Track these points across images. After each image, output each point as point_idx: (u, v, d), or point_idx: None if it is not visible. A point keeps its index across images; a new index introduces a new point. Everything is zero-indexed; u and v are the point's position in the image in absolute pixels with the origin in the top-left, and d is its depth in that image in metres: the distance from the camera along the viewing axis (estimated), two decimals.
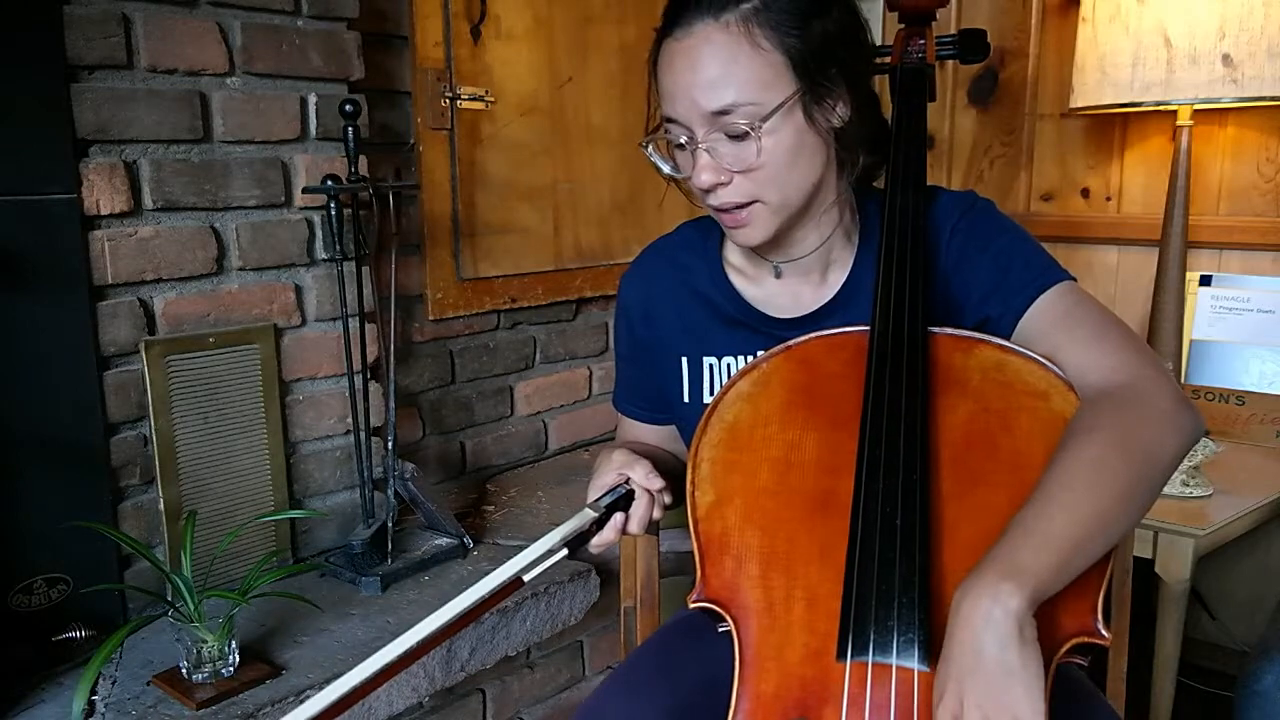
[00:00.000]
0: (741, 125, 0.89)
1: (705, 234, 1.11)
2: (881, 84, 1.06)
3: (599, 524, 0.91)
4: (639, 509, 0.93)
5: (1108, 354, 0.88)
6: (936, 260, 0.99)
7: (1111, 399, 0.84)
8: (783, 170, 0.93)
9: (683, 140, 0.94)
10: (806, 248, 1.02)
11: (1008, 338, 0.92)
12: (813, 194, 0.97)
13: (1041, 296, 0.94)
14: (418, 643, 0.76)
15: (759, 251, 1.05)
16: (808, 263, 1.03)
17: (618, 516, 0.92)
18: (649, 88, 0.99)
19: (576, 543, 0.89)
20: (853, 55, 0.96)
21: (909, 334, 0.87)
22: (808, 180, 0.95)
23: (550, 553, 0.86)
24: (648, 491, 0.94)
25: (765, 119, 0.89)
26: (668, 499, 0.96)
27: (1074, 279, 0.96)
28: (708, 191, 0.94)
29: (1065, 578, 0.75)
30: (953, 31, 1.18)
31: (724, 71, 0.89)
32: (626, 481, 0.94)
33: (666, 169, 0.98)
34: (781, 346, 0.94)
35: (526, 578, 0.84)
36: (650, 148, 0.99)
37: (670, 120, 0.94)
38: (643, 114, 1.03)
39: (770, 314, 1.05)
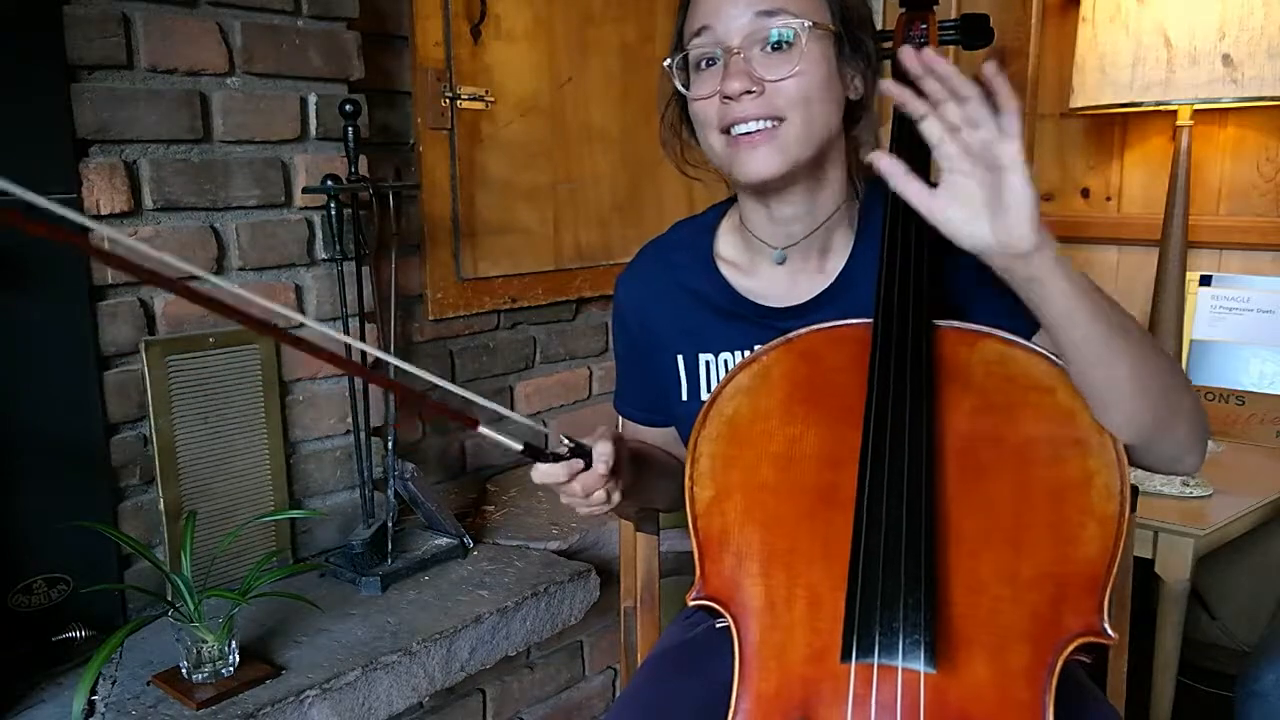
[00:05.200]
0: (790, 27, 0.92)
1: (698, 231, 1.11)
2: (884, 71, 1.06)
3: (558, 457, 0.87)
4: (590, 476, 0.88)
5: None
6: (945, 256, 0.98)
7: None
8: (814, 91, 0.93)
9: (715, 54, 0.94)
10: (807, 225, 1.01)
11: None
12: (823, 149, 0.97)
13: None
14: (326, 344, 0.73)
15: (760, 232, 1.04)
16: (806, 246, 1.02)
17: (578, 462, 0.87)
18: (675, 25, 1.01)
19: (532, 450, 0.85)
20: (873, 38, 1.00)
21: (913, 327, 0.86)
22: (826, 124, 0.96)
23: (511, 431, 0.83)
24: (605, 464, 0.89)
25: (812, 27, 0.92)
26: (615, 496, 0.92)
27: None
28: (731, 102, 0.93)
29: (1069, 287, 0.79)
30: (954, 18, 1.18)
31: None
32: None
33: (685, 90, 0.98)
34: (781, 339, 0.93)
35: (482, 428, 0.81)
36: (673, 69, 0.99)
37: (700, 34, 0.95)
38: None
39: (765, 304, 1.04)
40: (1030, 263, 0.77)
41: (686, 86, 0.98)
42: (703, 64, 0.96)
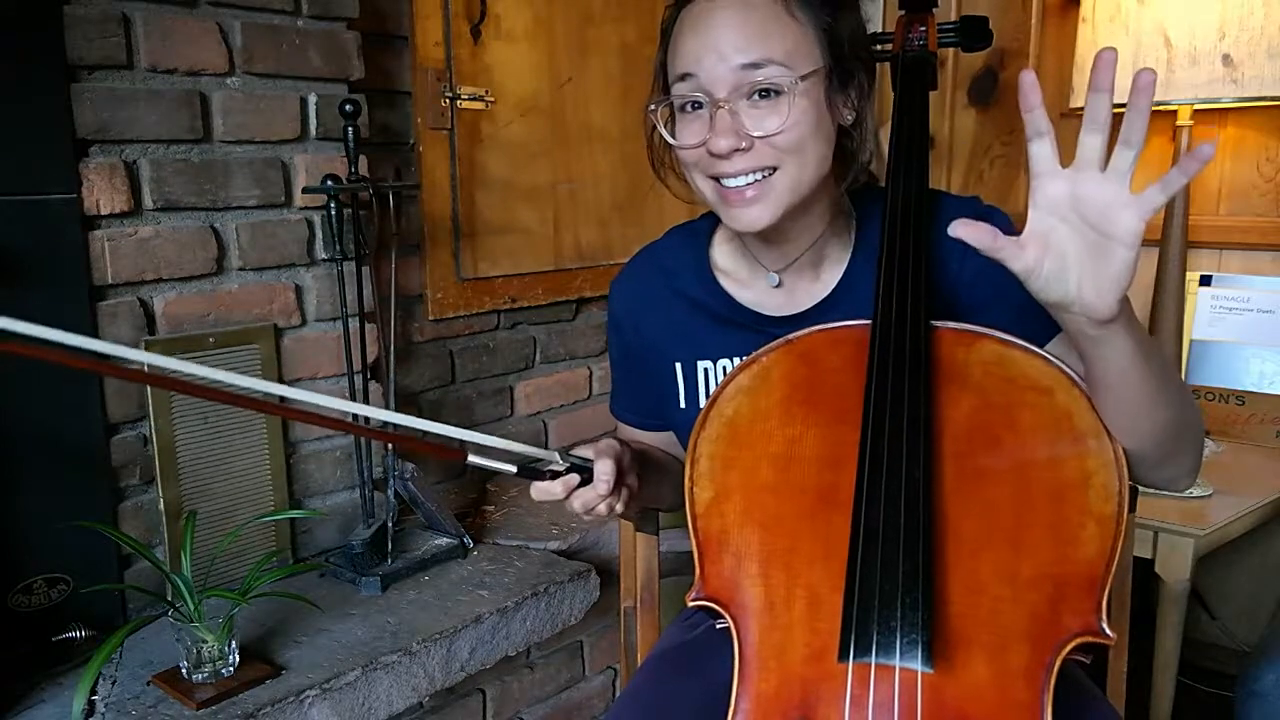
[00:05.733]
0: (777, 81, 0.89)
1: (693, 237, 1.10)
2: (883, 73, 1.06)
3: (555, 475, 0.87)
4: (589, 492, 0.88)
5: None
6: (948, 263, 0.98)
7: None
8: (807, 139, 0.91)
9: (698, 101, 0.92)
10: (800, 246, 1.01)
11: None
12: (817, 185, 0.95)
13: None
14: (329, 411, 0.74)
15: (755, 253, 1.04)
16: (800, 263, 1.02)
17: (574, 478, 0.87)
18: (656, 60, 0.98)
19: (528, 472, 0.86)
20: (869, 60, 0.98)
21: (911, 328, 0.86)
22: (819, 165, 0.94)
23: (504, 456, 0.83)
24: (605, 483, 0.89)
25: (801, 79, 0.89)
26: (618, 507, 0.92)
27: None
28: (720, 159, 0.91)
29: (1130, 343, 0.77)
30: (954, 20, 1.18)
31: (760, 30, 0.89)
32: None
33: (671, 139, 0.95)
34: (781, 340, 0.93)
35: (471, 458, 0.82)
36: (657, 114, 0.96)
37: (684, 80, 0.92)
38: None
39: (764, 312, 1.04)
40: (1103, 328, 0.76)
41: (673, 125, 0.96)
42: (688, 107, 0.94)
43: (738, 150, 0.90)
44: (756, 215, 0.93)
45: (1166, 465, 0.88)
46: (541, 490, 0.88)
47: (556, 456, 0.88)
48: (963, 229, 0.74)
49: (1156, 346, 0.83)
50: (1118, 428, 0.83)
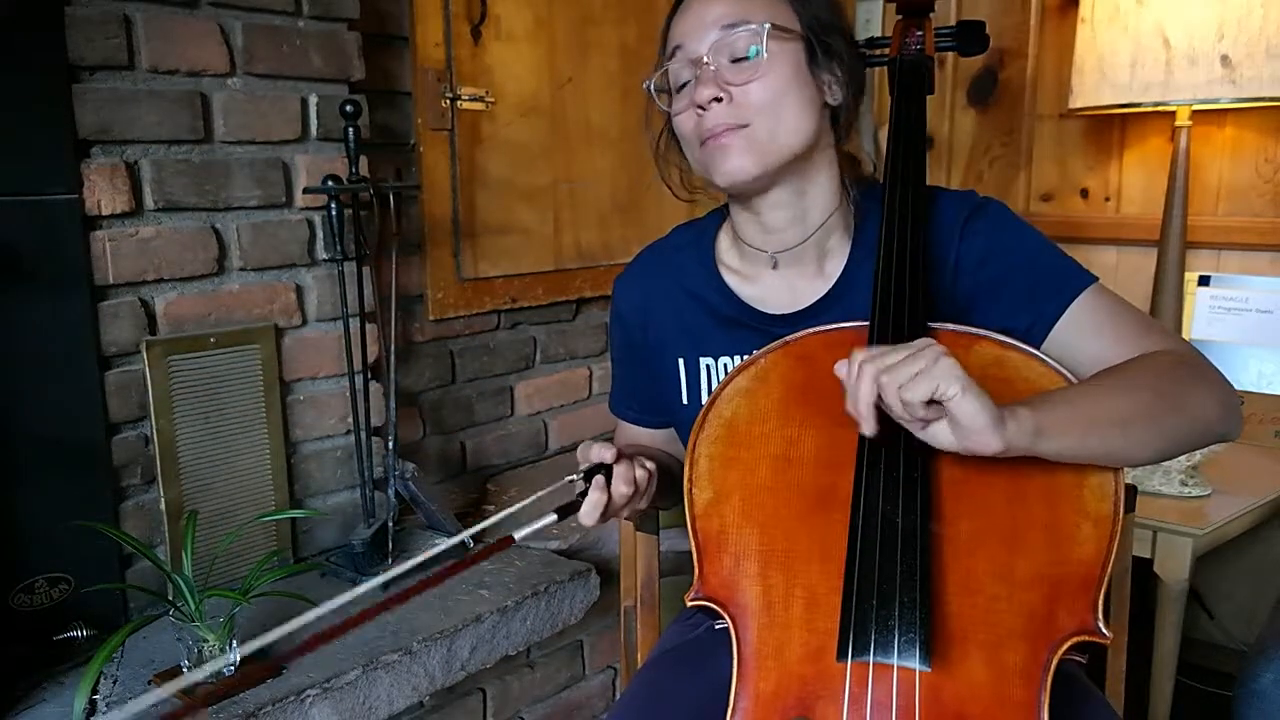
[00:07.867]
0: (752, 39, 0.94)
1: (699, 235, 1.11)
2: (880, 77, 1.07)
3: (583, 494, 0.88)
4: (615, 480, 0.89)
5: (1158, 341, 0.94)
6: (945, 257, 0.98)
7: (1174, 354, 0.91)
8: (778, 98, 0.95)
9: (686, 75, 0.98)
10: (800, 231, 1.02)
11: (1039, 346, 0.93)
12: (800, 154, 0.98)
13: (1075, 302, 0.95)
14: (397, 586, 0.74)
15: (749, 236, 1.05)
16: (802, 252, 1.03)
17: (600, 479, 0.88)
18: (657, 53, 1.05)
19: (564, 511, 0.86)
20: (850, 47, 1.02)
21: (909, 329, 0.86)
22: (798, 129, 0.97)
23: (538, 514, 0.84)
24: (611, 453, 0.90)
25: (773, 34, 0.95)
26: (641, 504, 0.93)
27: (1097, 278, 0.98)
28: (703, 110, 0.96)
29: (1063, 442, 0.78)
30: (952, 24, 1.18)
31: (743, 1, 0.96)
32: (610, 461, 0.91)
33: (664, 107, 1.02)
34: (779, 342, 0.93)
35: (517, 535, 0.82)
36: (652, 89, 1.03)
37: (674, 55, 0.99)
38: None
39: (766, 311, 1.05)
40: (1016, 450, 0.76)
41: (669, 106, 1.02)
42: (681, 86, 1.00)
43: (717, 100, 0.95)
44: (736, 164, 0.96)
45: (1200, 442, 0.91)
46: (587, 512, 0.88)
47: (571, 478, 0.89)
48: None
49: (1106, 391, 0.85)
50: (1128, 464, 0.85)
